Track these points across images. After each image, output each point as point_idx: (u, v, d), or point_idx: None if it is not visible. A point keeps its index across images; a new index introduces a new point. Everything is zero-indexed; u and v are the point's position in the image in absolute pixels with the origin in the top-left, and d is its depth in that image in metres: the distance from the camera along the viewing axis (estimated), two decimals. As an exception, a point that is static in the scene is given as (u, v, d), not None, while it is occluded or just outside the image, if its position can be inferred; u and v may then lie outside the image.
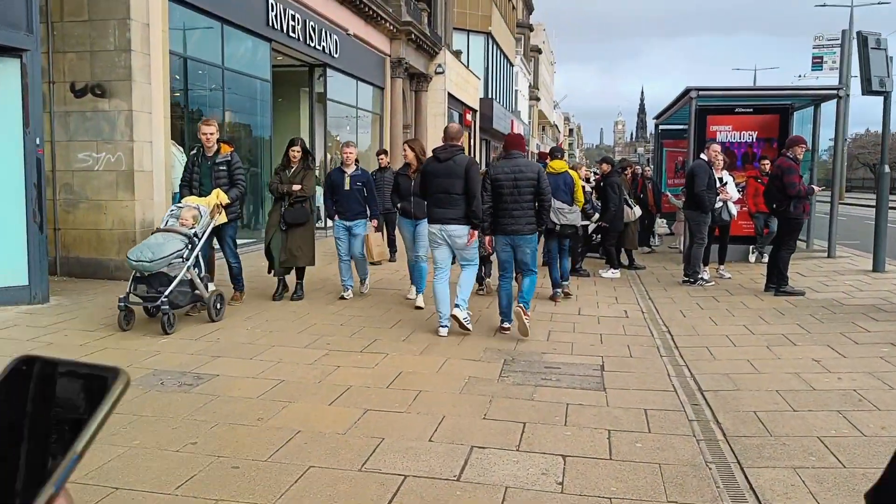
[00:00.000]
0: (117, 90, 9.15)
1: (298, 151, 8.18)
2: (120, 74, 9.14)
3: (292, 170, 8.17)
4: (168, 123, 9.96)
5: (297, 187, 8.01)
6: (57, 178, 9.32)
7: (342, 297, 8.35)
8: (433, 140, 24.18)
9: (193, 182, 7.59)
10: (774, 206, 8.79)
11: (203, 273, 6.97)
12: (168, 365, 5.43)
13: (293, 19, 14.05)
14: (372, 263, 8.84)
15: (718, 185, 9.74)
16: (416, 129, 23.74)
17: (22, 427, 0.55)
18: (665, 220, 17.29)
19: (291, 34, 14.04)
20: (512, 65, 43.77)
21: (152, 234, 7.00)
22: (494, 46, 36.05)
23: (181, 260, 6.58)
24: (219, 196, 7.32)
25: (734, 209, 10.12)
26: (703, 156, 9.79)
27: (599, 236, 12.45)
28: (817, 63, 11.06)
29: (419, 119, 23.82)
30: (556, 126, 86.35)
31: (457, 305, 6.58)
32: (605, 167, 10.99)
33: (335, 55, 16.28)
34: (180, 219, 6.97)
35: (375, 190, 8.86)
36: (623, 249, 11.48)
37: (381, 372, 5.40)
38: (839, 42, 11.14)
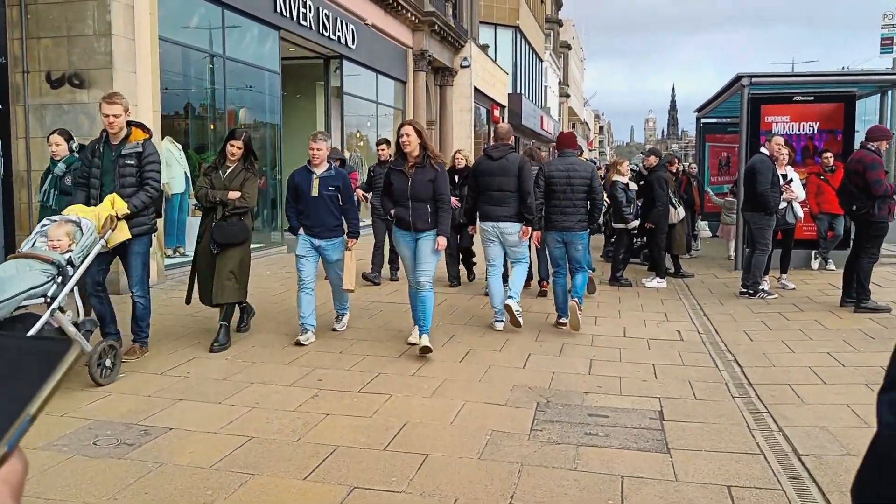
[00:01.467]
0: (97, 79, 8.12)
1: (239, 147, 6.05)
2: (100, 62, 8.11)
3: (228, 170, 6.07)
4: (158, 118, 8.92)
5: (234, 195, 5.93)
6: (32, 178, 8.31)
7: (298, 343, 6.08)
8: (459, 137, 23.07)
9: (92, 181, 5.48)
10: (854, 207, 7.48)
11: (82, 316, 5.03)
12: (113, 413, 4.32)
13: (304, 6, 12.97)
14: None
15: (782, 182, 8.44)
16: (440, 125, 22.60)
17: None
18: (707, 223, 15.96)
19: (303, 22, 12.97)
20: (541, 60, 42.45)
21: (5, 260, 4.99)
22: (523, 41, 34.78)
23: (44, 299, 4.49)
24: (114, 204, 5.16)
25: (800, 210, 8.81)
26: (763, 149, 8.50)
27: (640, 240, 11.22)
28: (887, 45, 9.80)
29: (444, 115, 22.68)
30: (587, 123, 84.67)
31: (510, 297, 6.68)
32: (652, 160, 9.73)
33: (352, 46, 15.20)
34: (50, 238, 4.84)
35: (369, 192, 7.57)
36: (668, 255, 10.21)
37: (380, 423, 4.25)
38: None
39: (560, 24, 56.43)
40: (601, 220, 12.20)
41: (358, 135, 17.72)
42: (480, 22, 29.41)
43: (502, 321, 6.82)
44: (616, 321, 7.37)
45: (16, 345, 0.62)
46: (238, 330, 6.46)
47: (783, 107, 10.76)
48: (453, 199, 6.65)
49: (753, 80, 10.64)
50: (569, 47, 62.55)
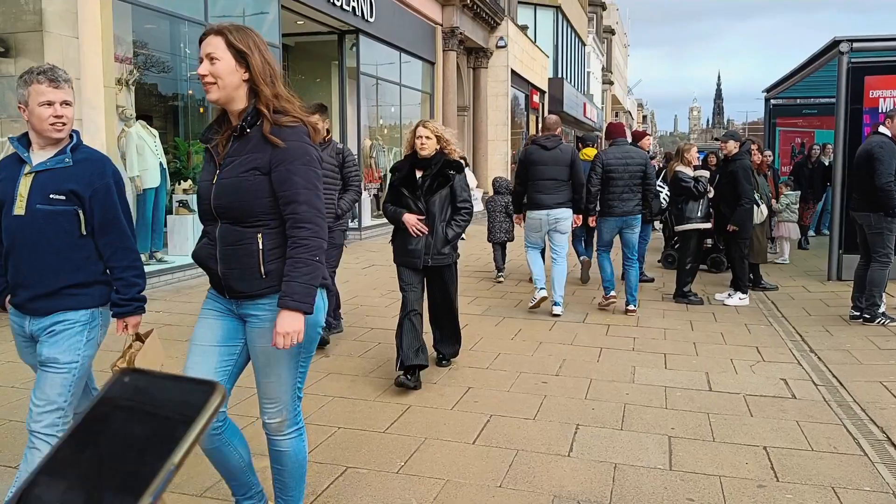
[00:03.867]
0: (25, 46, 6.44)
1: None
2: (28, 23, 6.42)
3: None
4: (111, 95, 7.21)
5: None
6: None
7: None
8: (494, 124, 21.15)
9: None
10: None
11: None
12: None
13: (310, -31, 11.18)
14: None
15: (908, 172, 6.37)
16: (474, 111, 20.68)
17: (123, 437, 0.59)
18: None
19: (308, -12, 11.18)
20: (584, 44, 40.10)
21: None
22: (565, 22, 32.56)
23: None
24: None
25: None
26: (884, 129, 6.44)
27: (708, 242, 9.20)
28: None
29: (478, 100, 20.74)
30: (630, 112, 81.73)
31: (555, 303, 6.94)
32: (731, 146, 7.67)
33: (370, 20, 13.37)
34: None
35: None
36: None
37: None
38: None
39: (604, 7, 53.85)
40: (660, 217, 10.27)
41: (381, 122, 15.92)
42: (519, 2, 27.35)
43: (544, 288, 7.01)
44: (693, 361, 5.42)
45: (158, 386, 0.63)
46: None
47: (893, 78, 8.62)
48: (411, 218, 4.68)
49: (854, 44, 8.52)
50: (612, 32, 60.00)
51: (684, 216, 7.68)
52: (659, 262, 10.45)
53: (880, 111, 8.62)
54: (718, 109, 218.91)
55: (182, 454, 0.57)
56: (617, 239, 7.25)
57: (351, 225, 13.59)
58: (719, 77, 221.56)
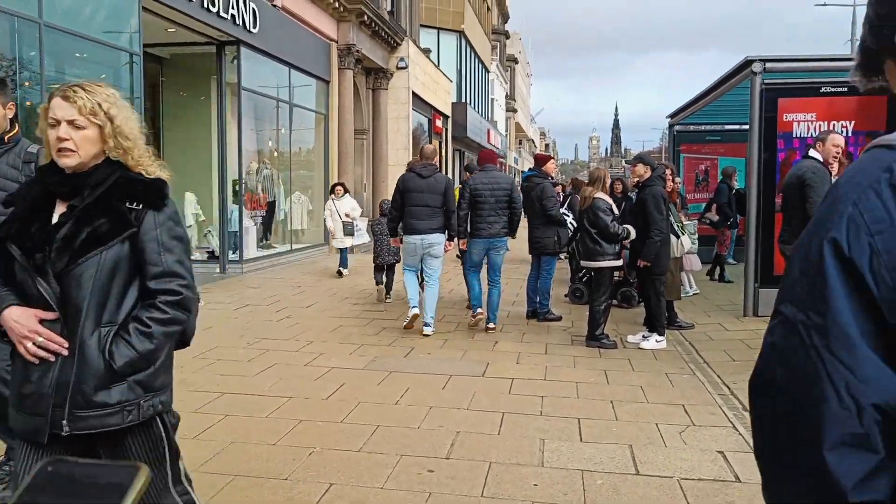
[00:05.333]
0: None
1: None
2: None
3: None
4: None
5: None
6: None
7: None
8: (395, 148, 20.22)
9: None
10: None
11: None
12: None
13: (179, -31, 9.91)
14: None
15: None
16: (373, 134, 19.66)
17: None
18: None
19: (177, -10, 9.90)
20: (488, 71, 39.94)
21: None
22: (468, 48, 32.16)
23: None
24: None
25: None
26: (814, 153, 5.79)
27: (618, 276, 8.45)
28: None
29: (378, 122, 19.71)
30: (533, 140, 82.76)
31: (426, 324, 7.17)
32: (641, 170, 6.88)
33: (253, 31, 12.15)
34: None
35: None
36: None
37: None
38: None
39: (507, 35, 54.24)
40: (568, 249, 9.48)
41: (270, 144, 14.64)
42: (422, 25, 26.67)
43: (416, 306, 7.28)
44: (613, 428, 4.48)
45: (82, 472, 0.66)
46: None
47: (808, 101, 8.13)
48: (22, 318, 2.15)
49: (767, 65, 8.00)
50: (516, 61, 60.61)
51: (598, 250, 6.83)
52: (566, 296, 9.64)
53: (794, 135, 8.13)
54: (616, 139, 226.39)
55: None
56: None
57: (231, 257, 12.24)
58: (616, 108, 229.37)
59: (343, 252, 11.66)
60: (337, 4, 15.69)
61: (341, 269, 11.63)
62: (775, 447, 0.82)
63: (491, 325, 7.42)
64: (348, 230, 11.16)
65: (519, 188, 8.09)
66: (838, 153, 5.73)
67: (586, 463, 3.88)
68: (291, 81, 14.60)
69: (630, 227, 6.78)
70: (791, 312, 0.82)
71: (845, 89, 8.04)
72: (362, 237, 11.43)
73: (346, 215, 11.17)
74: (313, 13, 15.05)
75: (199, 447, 3.95)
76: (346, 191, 11.66)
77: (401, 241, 7.43)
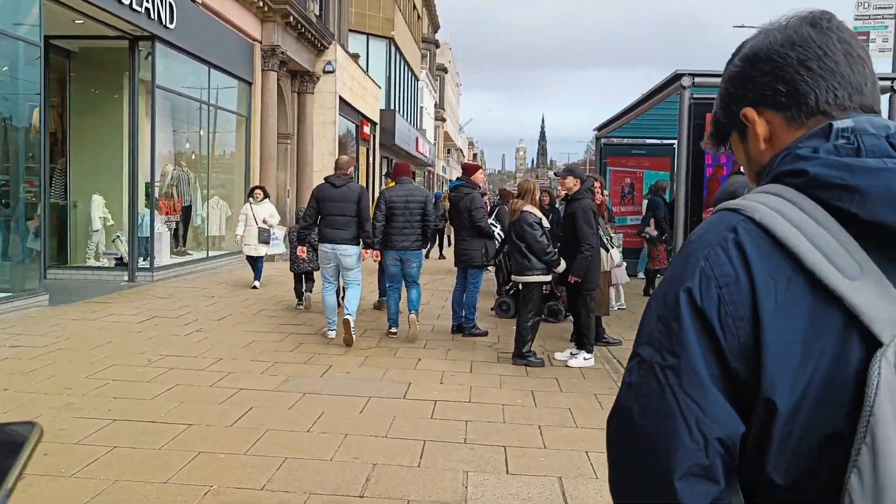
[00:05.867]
0: None
1: None
2: None
3: None
4: None
5: None
6: None
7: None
8: (320, 153, 19.71)
9: None
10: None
11: None
12: None
13: (86, -45, 9.25)
14: None
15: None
16: (298, 138, 19.09)
17: None
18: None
19: (83, -22, 9.24)
20: (417, 79, 39.74)
21: None
22: (398, 54, 31.86)
23: None
24: None
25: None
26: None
27: (546, 289, 8.24)
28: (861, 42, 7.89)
29: (303, 127, 19.15)
30: (461, 150, 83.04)
31: (348, 314, 7.10)
32: (571, 183, 6.67)
33: (169, 26, 11.51)
34: None
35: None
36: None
37: None
38: (893, 11, 7.57)
39: (437, 45, 54.31)
40: (494, 261, 9.23)
41: (188, 146, 13.93)
42: (351, 30, 26.21)
43: (334, 330, 7.33)
44: (541, 458, 4.20)
45: None
46: None
47: (734, 117, 8.12)
48: None
49: (696, 79, 7.94)
50: (445, 70, 60.62)
51: (527, 264, 6.58)
52: (492, 310, 9.40)
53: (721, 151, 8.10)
54: (542, 150, 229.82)
55: (13, 482, 0.69)
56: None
57: (141, 264, 11.52)
58: (543, 120, 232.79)
59: (258, 262, 10.96)
60: (261, 3, 15.13)
61: (256, 282, 10.91)
62: (630, 477, 0.87)
63: (393, 331, 7.62)
64: (263, 237, 10.52)
65: (433, 202, 8.36)
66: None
67: (512, 500, 3.58)
68: (212, 81, 13.97)
69: (561, 260, 6.54)
70: (648, 354, 0.88)
71: (771, 107, 8.08)
72: (279, 247, 10.86)
73: (264, 221, 10.58)
74: (236, 11, 14.46)
75: (75, 488, 3.46)
76: (266, 195, 11.04)
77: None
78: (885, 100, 8.53)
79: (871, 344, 0.79)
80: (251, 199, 10.91)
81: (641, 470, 0.85)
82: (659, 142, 14.78)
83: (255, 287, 10.80)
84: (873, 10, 7.92)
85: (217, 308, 9.05)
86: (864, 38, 7.98)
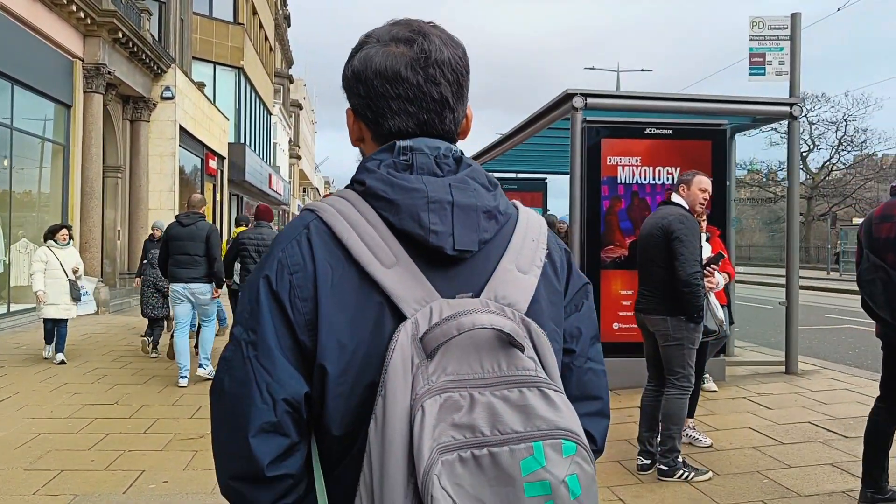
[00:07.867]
0: None
1: None
2: None
3: None
4: None
5: None
6: None
7: None
8: (158, 190, 17.51)
9: None
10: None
11: None
12: None
13: None
14: None
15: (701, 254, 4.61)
16: (131, 171, 16.83)
17: None
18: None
19: None
20: (270, 113, 37.77)
21: None
22: (248, 86, 29.89)
23: None
24: None
25: (720, 311, 4.99)
26: (678, 198, 4.62)
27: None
28: (757, 64, 7.24)
29: (136, 159, 16.93)
30: (317, 189, 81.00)
31: (201, 365, 7.27)
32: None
33: (-46, 29, 9.34)
34: None
35: None
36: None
37: None
38: (789, 33, 7.00)
39: (291, 80, 52.49)
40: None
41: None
42: (196, 58, 24.12)
43: (187, 377, 7.11)
44: None
45: None
46: None
47: (632, 143, 7.22)
48: None
49: (589, 100, 6.99)
50: (300, 107, 58.88)
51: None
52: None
53: (619, 181, 7.17)
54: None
55: None
56: None
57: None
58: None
59: (61, 328, 8.17)
60: (82, 14, 13.05)
61: (59, 353, 8.08)
62: (220, 437, 1.01)
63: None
64: (75, 293, 8.13)
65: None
66: (706, 199, 4.61)
67: None
68: (16, 102, 11.70)
69: None
70: (238, 332, 1.03)
71: (670, 132, 7.26)
72: (90, 304, 8.70)
73: (74, 271, 8.24)
74: (50, 22, 12.32)
75: None
76: (71, 237, 8.63)
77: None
78: (785, 126, 7.97)
79: (402, 318, 0.97)
80: (53, 241, 8.35)
81: (228, 431, 0.99)
82: (532, 176, 13.97)
83: (61, 362, 8.01)
84: (768, 31, 7.28)
85: (1, 387, 6.98)
86: (760, 59, 7.30)
